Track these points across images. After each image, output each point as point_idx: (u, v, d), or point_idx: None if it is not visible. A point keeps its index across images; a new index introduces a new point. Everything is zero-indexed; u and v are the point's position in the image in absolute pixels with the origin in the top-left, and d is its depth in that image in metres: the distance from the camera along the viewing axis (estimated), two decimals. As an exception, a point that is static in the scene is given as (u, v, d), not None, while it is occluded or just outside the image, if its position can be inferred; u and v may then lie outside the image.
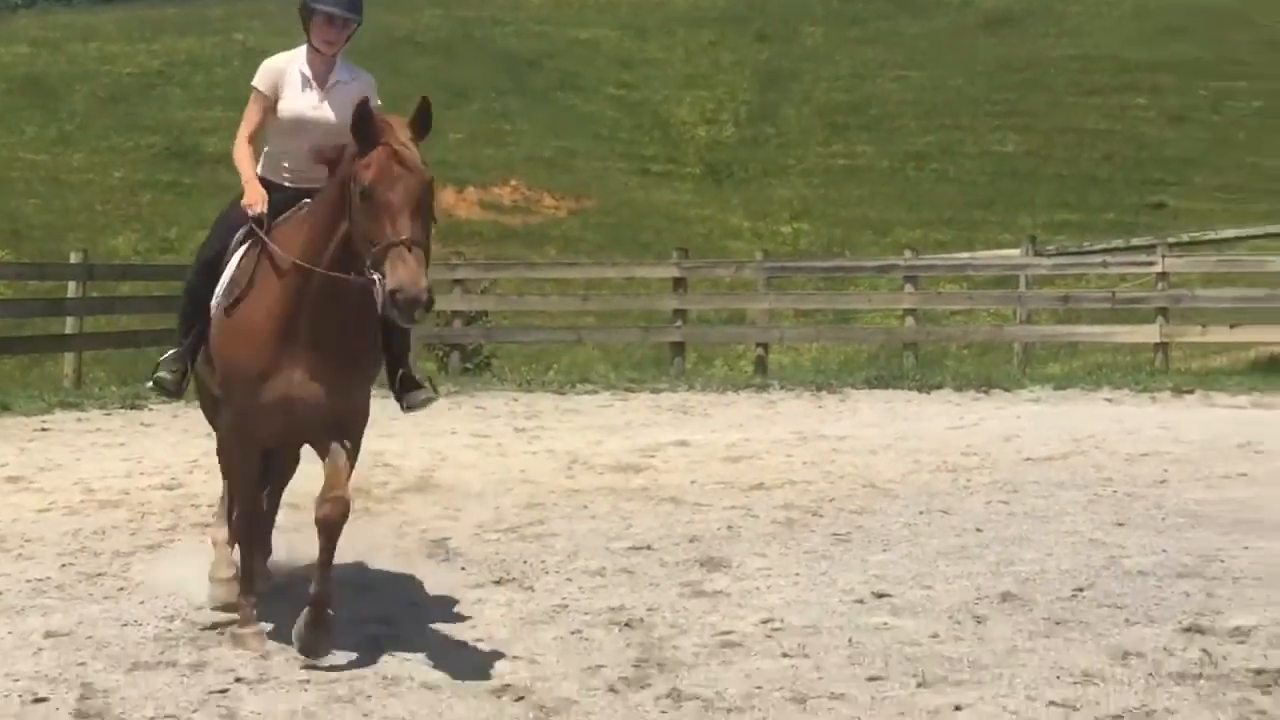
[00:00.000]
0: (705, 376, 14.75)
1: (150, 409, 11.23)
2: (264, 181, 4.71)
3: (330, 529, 4.26)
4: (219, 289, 4.55)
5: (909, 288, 15.28)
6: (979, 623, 4.68)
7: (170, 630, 4.67)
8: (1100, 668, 4.13)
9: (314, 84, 4.70)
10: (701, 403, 12.35)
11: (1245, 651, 4.26)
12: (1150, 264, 14.75)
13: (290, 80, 4.69)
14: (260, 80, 4.74)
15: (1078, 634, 4.51)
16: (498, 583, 5.40)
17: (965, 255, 18.99)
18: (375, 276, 3.95)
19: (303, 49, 4.74)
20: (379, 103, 4.47)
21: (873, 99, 33.56)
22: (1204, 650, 4.26)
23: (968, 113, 32.57)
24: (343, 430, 4.39)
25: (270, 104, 4.70)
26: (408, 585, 5.39)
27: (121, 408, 11.44)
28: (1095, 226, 24.52)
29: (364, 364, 4.46)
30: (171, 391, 4.76)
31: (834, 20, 37.91)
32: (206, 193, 26.11)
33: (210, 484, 6.09)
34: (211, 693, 3.99)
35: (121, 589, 5.30)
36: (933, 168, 30.50)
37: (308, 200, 4.52)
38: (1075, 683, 4.00)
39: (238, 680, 4.10)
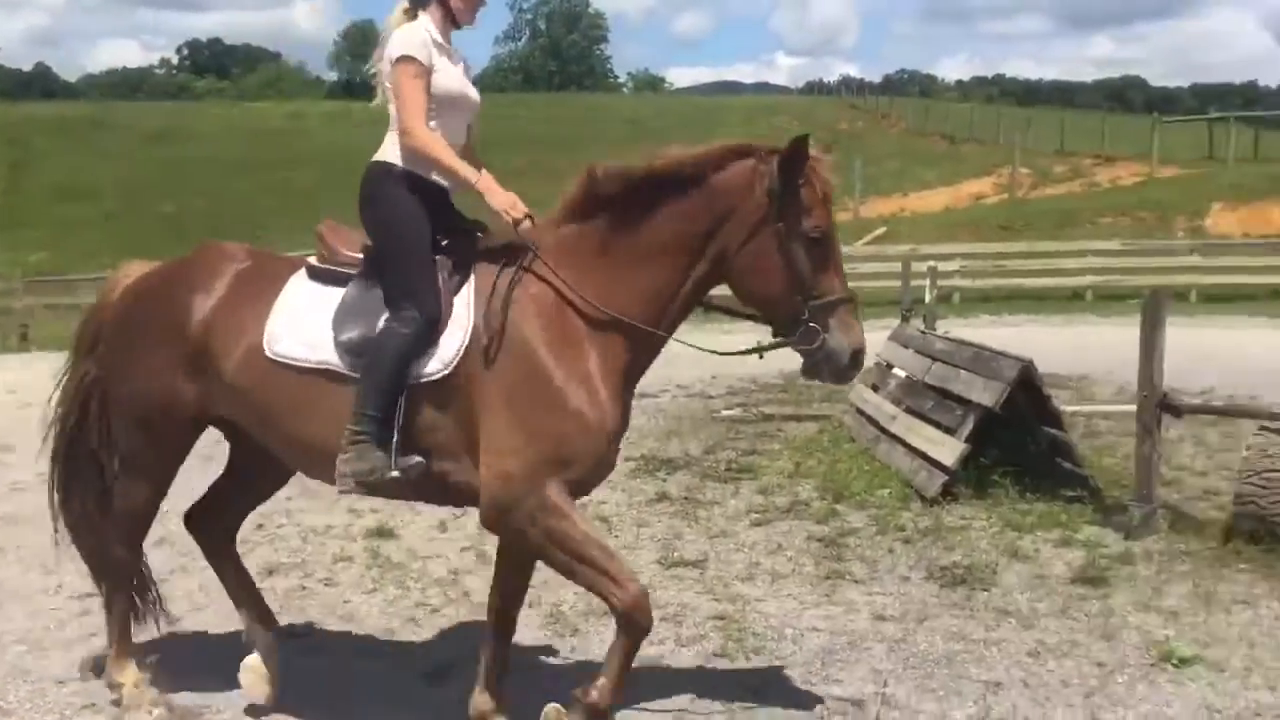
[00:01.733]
0: None
1: None
2: (411, 176, 3.87)
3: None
4: (462, 334, 3.67)
5: None
6: None
7: None
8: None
9: (451, 55, 3.99)
10: None
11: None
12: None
13: (434, 51, 3.89)
14: (417, 49, 3.83)
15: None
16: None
17: None
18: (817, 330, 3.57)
19: (423, 18, 3.93)
20: None
21: None
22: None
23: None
24: None
25: (428, 78, 3.85)
26: None
27: None
28: None
29: None
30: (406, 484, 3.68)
31: None
32: None
33: None
34: None
35: None
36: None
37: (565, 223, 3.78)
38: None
39: None
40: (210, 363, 3.94)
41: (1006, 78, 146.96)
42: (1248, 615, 5.05)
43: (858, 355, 3.61)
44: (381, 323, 3.70)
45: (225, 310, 3.97)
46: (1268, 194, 26.53)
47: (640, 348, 3.72)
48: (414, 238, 3.80)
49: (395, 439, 3.61)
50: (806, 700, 4.26)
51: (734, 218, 3.60)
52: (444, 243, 3.87)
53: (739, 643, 4.84)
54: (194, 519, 4.52)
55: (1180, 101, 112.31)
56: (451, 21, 3.96)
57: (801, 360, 3.67)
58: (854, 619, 5.12)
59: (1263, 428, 6.23)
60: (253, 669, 4.23)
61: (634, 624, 3.54)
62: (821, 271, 3.58)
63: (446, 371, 3.64)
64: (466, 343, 3.64)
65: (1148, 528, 6.26)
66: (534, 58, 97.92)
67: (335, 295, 3.87)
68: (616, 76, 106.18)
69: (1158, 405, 6.42)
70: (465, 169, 3.80)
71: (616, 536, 6.45)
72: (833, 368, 3.61)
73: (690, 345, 3.92)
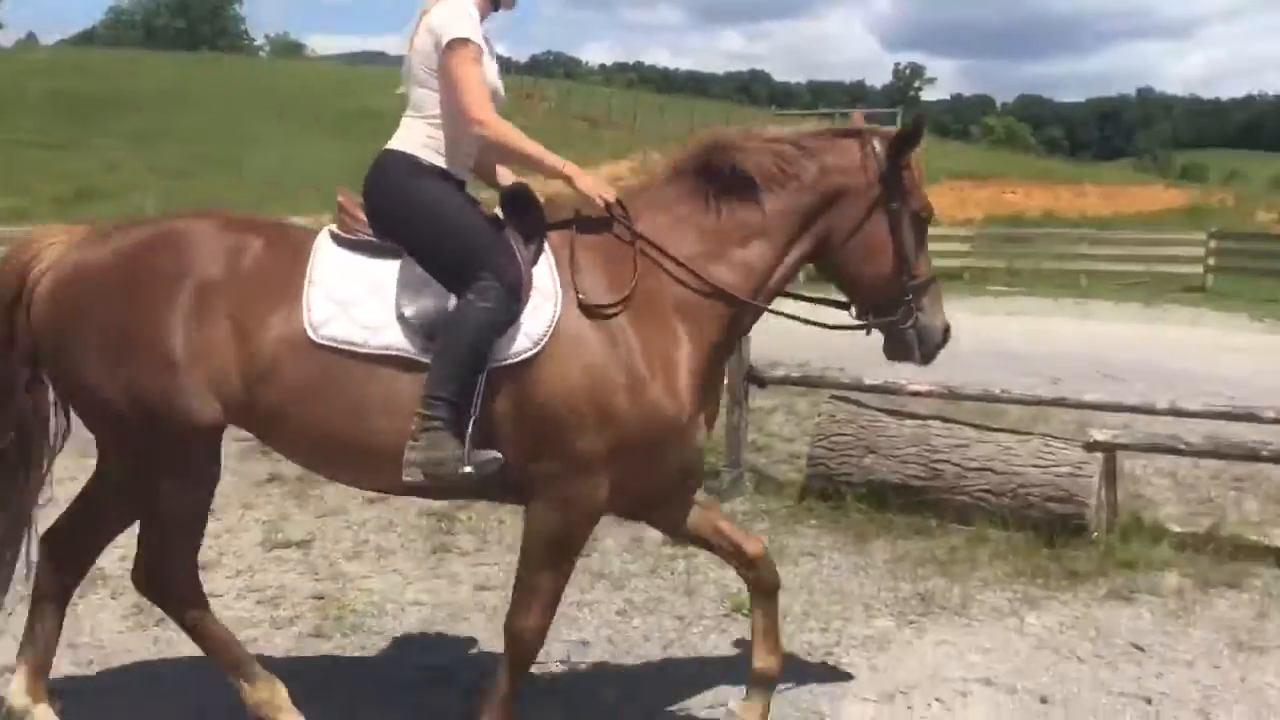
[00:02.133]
0: None
1: None
2: (444, 173, 3.48)
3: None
4: (551, 307, 3.30)
5: None
6: None
7: None
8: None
9: (489, 42, 3.58)
10: None
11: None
12: None
13: (482, 38, 3.50)
14: (473, 31, 3.41)
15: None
16: None
17: None
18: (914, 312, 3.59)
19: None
20: None
21: None
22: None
23: None
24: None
25: (483, 63, 3.45)
26: None
27: None
28: None
29: None
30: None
31: None
32: None
33: None
34: None
35: None
36: None
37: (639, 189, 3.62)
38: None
39: None
40: (230, 356, 3.26)
41: (646, 65, 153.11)
42: (811, 565, 5.61)
43: (947, 332, 3.66)
44: (454, 298, 3.29)
45: (238, 291, 3.29)
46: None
47: (733, 328, 3.56)
48: (467, 208, 3.45)
49: (470, 430, 3.21)
50: (396, 674, 4.31)
51: (846, 198, 3.52)
52: (499, 215, 3.53)
53: (338, 621, 4.81)
54: (53, 543, 3.67)
55: (799, 97, 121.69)
56: (493, 3, 3.62)
57: (888, 341, 3.67)
58: (457, 591, 5.22)
59: (833, 397, 6.93)
60: None
61: (518, 653, 3.48)
62: (921, 252, 3.58)
63: (535, 350, 3.27)
64: (557, 316, 3.30)
65: (736, 489, 6.80)
66: (158, 13, 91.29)
67: (385, 267, 3.37)
68: (252, 39, 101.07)
69: (745, 378, 6.97)
70: (551, 155, 3.43)
71: (219, 519, 6.20)
72: (926, 346, 3.63)
73: (798, 319, 3.79)
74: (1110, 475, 6.02)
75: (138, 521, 3.60)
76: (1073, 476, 5.86)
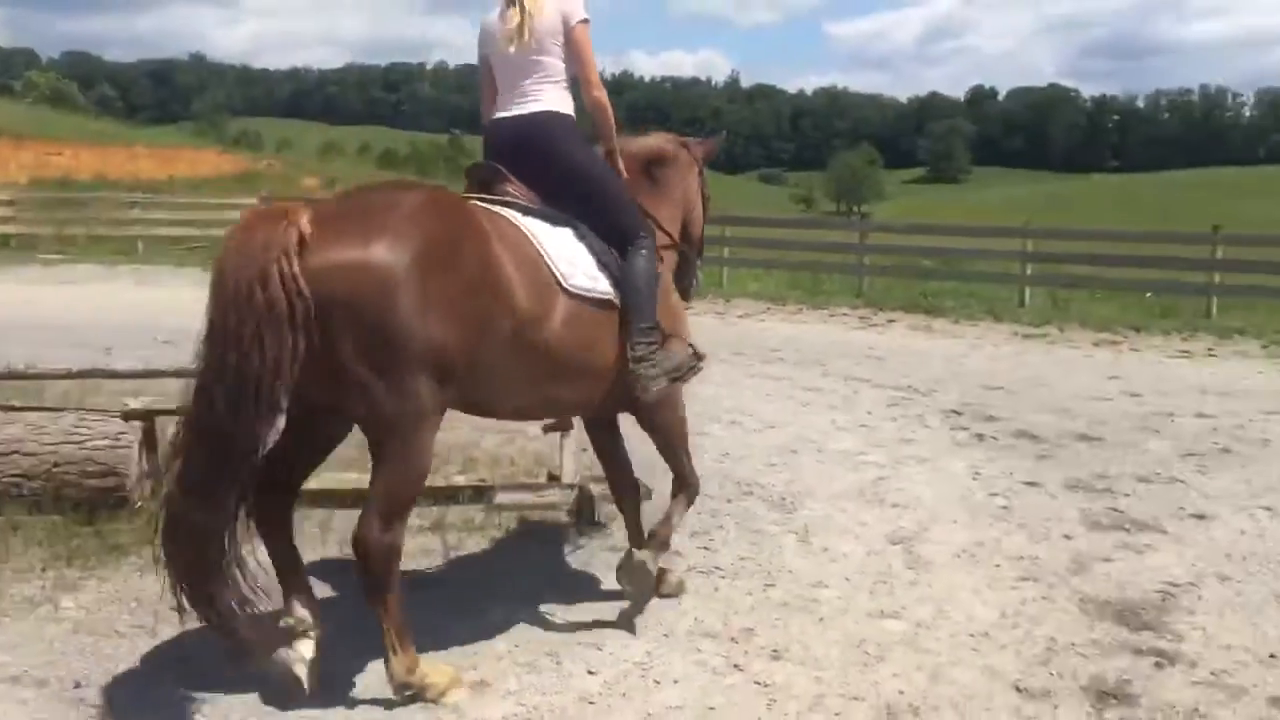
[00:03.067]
0: None
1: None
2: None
3: None
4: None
5: None
6: None
7: None
8: None
9: None
10: None
11: None
12: None
13: None
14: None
15: None
16: None
17: None
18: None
19: None
20: None
21: None
22: None
23: None
24: None
25: None
26: None
27: None
28: None
29: None
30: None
31: None
32: None
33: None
34: None
35: None
36: None
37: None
38: None
39: None
40: (509, 305, 3.82)
41: None
42: None
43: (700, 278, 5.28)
44: (612, 252, 4.29)
45: (501, 244, 3.87)
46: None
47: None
48: (620, 176, 4.51)
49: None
50: None
51: (691, 185, 5.03)
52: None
53: None
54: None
55: None
56: None
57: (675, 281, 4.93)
58: None
59: None
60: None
61: (694, 493, 4.88)
62: (705, 221, 5.19)
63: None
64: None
65: None
66: None
67: (562, 231, 4.19)
68: None
69: None
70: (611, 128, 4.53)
71: None
72: (696, 287, 5.14)
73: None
74: (151, 442, 5.97)
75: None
76: (111, 448, 5.68)
